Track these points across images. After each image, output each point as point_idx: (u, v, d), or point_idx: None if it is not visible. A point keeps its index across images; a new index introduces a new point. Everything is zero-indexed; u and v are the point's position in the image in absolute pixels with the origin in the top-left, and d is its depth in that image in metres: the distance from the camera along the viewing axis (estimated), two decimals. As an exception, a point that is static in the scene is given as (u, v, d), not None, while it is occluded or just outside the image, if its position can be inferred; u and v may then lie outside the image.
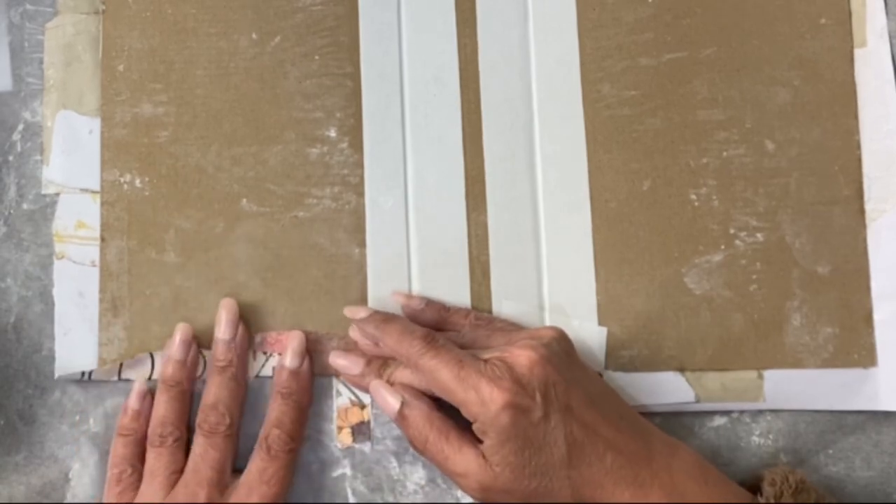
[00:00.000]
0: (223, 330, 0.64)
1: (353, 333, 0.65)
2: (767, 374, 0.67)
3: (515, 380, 0.58)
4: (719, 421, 0.67)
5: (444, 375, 0.59)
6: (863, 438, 0.67)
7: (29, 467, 0.66)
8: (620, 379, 0.66)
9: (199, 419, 0.63)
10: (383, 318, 0.64)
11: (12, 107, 0.69)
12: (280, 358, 0.65)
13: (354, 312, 0.65)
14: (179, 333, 0.64)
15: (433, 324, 0.65)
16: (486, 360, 0.59)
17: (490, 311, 0.67)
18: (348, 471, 0.66)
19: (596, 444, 0.59)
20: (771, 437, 0.67)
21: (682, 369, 0.66)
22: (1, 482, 0.65)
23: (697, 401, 0.66)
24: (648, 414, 0.65)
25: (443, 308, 0.66)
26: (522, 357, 0.59)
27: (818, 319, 0.67)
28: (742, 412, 0.67)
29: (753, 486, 0.63)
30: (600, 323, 0.67)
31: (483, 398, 0.58)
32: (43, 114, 0.68)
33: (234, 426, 0.63)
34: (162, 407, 0.63)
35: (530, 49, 0.69)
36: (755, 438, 0.67)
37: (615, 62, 0.69)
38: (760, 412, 0.67)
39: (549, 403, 0.58)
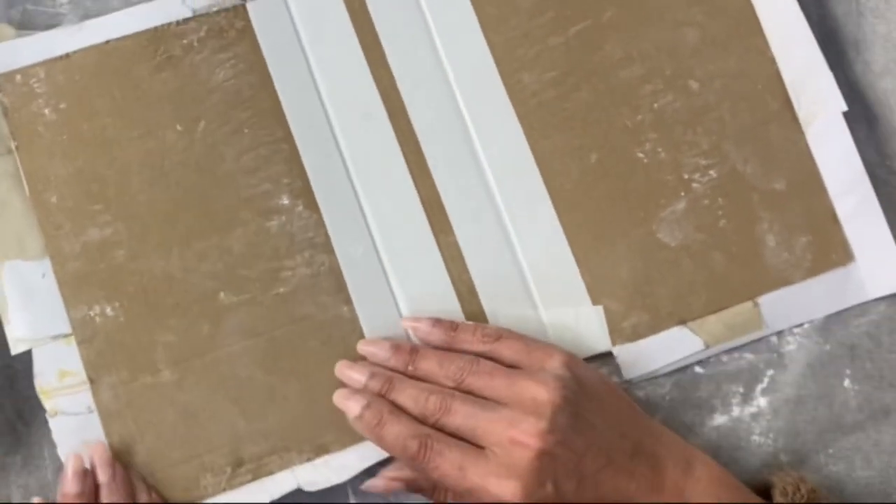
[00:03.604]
0: (100, 474, 0.59)
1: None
2: (761, 300, 0.65)
3: (523, 473, 0.55)
4: (719, 420, 0.65)
5: (450, 482, 0.57)
6: (862, 438, 0.65)
7: (28, 468, 0.63)
8: (629, 351, 0.64)
9: None
10: (375, 422, 0.59)
11: None
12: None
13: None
14: (70, 465, 0.59)
15: (443, 345, 0.61)
16: (487, 452, 0.57)
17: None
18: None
19: (608, 496, 0.57)
20: (771, 436, 0.65)
21: (683, 322, 0.64)
22: (0, 482, 0.63)
23: (707, 347, 0.64)
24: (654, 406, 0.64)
25: (451, 327, 0.62)
26: (528, 436, 0.56)
27: (790, 234, 0.65)
28: (742, 411, 0.65)
29: (761, 489, 0.62)
30: (594, 303, 0.64)
31: (493, 494, 0.56)
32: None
33: None
34: None
35: (443, 60, 0.66)
36: (755, 438, 0.65)
37: (527, 49, 0.66)
38: (760, 413, 0.65)
39: (559, 486, 0.56)
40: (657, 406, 0.65)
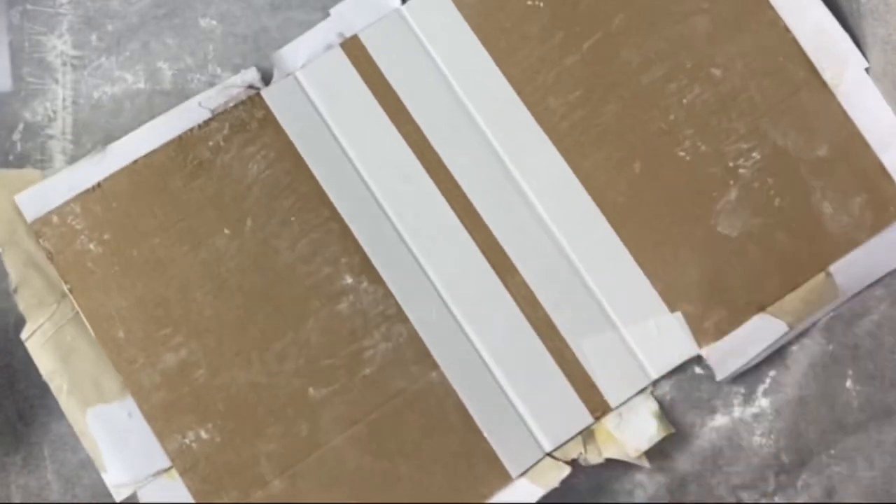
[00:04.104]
0: None
1: None
2: (832, 268, 0.64)
3: None
4: (721, 420, 0.64)
5: None
6: (864, 438, 0.65)
7: (28, 468, 0.62)
8: (718, 350, 0.63)
9: None
10: None
11: (12, 107, 0.66)
12: None
13: None
14: None
15: None
16: None
17: (574, 357, 0.62)
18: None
19: None
20: (772, 437, 0.64)
21: (762, 308, 0.63)
22: (0, 483, 0.62)
23: (790, 328, 0.63)
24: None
25: None
26: None
27: (844, 197, 0.65)
28: (743, 411, 0.64)
29: None
30: (671, 310, 0.63)
31: None
32: (72, 423, 0.61)
33: None
34: None
35: (466, 104, 0.65)
36: (756, 438, 0.64)
37: (545, 75, 0.65)
38: (762, 413, 0.64)
39: None
40: (658, 406, 0.64)
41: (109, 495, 0.60)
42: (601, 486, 0.63)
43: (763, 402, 0.64)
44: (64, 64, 0.66)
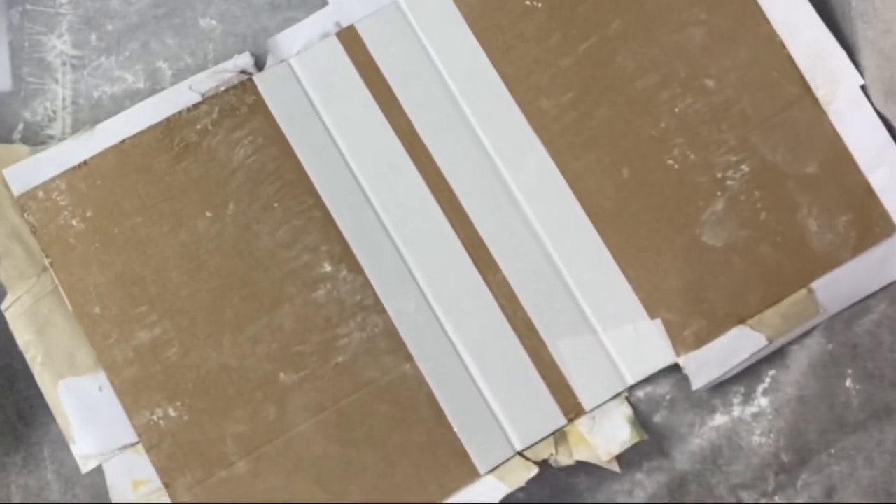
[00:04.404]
0: None
1: None
2: (815, 285, 0.64)
3: None
4: (720, 420, 0.64)
5: None
6: (865, 437, 0.64)
7: (28, 468, 0.62)
8: (695, 359, 0.62)
9: None
10: None
11: (12, 107, 0.66)
12: None
13: None
14: None
15: None
16: None
17: (551, 359, 0.62)
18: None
19: None
20: (772, 436, 0.64)
21: (742, 321, 0.63)
22: (0, 483, 0.62)
23: (770, 342, 0.63)
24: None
25: None
26: None
27: (831, 215, 0.64)
28: (743, 411, 0.64)
29: None
30: (651, 317, 0.63)
31: None
32: (45, 394, 0.61)
33: None
34: None
35: (458, 100, 0.65)
36: (756, 438, 0.64)
37: (540, 75, 0.65)
38: (761, 412, 0.64)
39: None
40: (657, 406, 0.64)
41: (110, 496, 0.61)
42: (600, 486, 0.63)
43: (762, 402, 0.64)
44: (64, 64, 0.66)
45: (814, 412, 0.64)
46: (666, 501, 0.61)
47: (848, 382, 0.64)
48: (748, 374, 0.64)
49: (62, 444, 0.62)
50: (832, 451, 0.64)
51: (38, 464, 0.62)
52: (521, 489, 0.61)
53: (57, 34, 0.66)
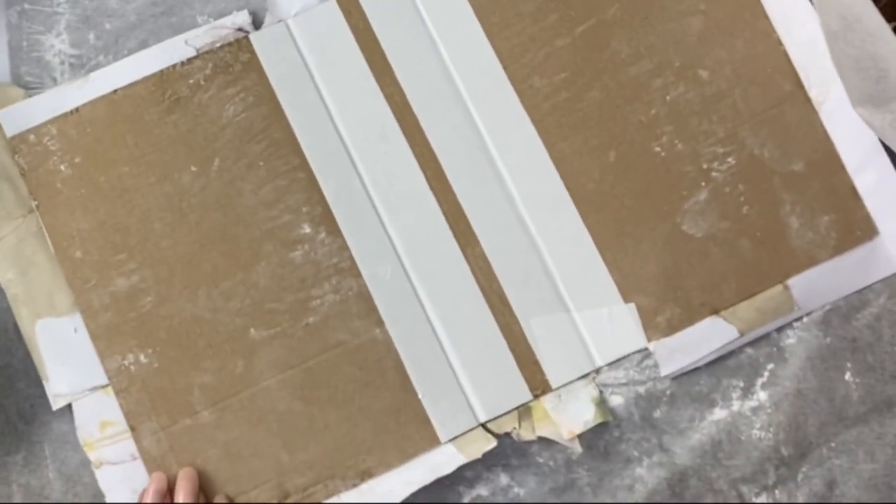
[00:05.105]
0: (181, 497, 0.58)
1: None
2: (791, 282, 0.63)
3: None
4: (720, 414, 0.64)
5: None
6: (865, 431, 0.64)
7: (29, 467, 0.62)
8: (665, 346, 0.63)
9: None
10: None
11: None
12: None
13: None
14: (153, 483, 0.58)
15: None
16: None
17: (522, 334, 0.62)
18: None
19: None
20: (772, 430, 0.64)
21: (716, 311, 0.63)
22: (0, 482, 0.62)
23: (741, 334, 0.63)
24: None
25: None
26: None
27: (813, 214, 0.64)
28: (742, 405, 0.64)
29: None
30: (625, 301, 0.63)
31: None
32: (23, 332, 0.62)
33: None
34: None
35: (452, 73, 0.65)
36: (756, 432, 0.64)
37: (534, 54, 0.65)
38: (760, 406, 0.64)
39: None
40: (657, 401, 0.63)
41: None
42: (601, 482, 0.63)
43: (762, 396, 0.64)
44: (62, 63, 0.66)
45: (813, 406, 0.64)
46: (666, 497, 0.61)
47: (847, 376, 0.64)
48: (747, 368, 0.64)
49: (63, 442, 0.62)
50: (832, 444, 0.63)
51: (39, 463, 0.62)
52: (519, 485, 0.62)
53: (55, 33, 0.66)
